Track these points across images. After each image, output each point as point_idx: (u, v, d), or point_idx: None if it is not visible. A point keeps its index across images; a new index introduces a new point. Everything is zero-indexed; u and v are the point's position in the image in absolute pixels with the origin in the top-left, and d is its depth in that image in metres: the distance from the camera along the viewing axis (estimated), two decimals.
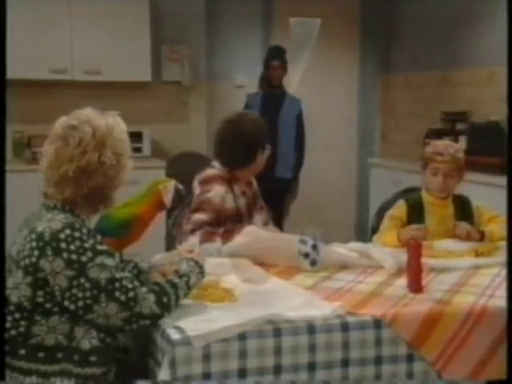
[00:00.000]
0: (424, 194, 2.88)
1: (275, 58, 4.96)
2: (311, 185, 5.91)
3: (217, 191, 2.58)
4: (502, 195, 3.96)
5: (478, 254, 2.53)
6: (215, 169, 2.68)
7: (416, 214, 2.81)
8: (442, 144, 2.87)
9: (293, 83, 5.84)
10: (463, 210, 2.86)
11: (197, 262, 1.91)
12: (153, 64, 5.06)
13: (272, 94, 4.92)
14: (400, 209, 2.85)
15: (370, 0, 6.00)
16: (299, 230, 2.36)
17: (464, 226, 2.76)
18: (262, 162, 2.73)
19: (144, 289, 1.75)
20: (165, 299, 1.74)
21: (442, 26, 5.30)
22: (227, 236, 2.41)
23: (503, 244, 2.67)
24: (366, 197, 5.83)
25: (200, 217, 2.49)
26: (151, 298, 1.72)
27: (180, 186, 2.11)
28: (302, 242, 2.29)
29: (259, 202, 2.86)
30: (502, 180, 4.03)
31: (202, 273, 1.91)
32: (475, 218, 2.86)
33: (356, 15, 6.05)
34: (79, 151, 1.73)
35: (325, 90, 6.05)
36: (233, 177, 2.67)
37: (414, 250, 2.10)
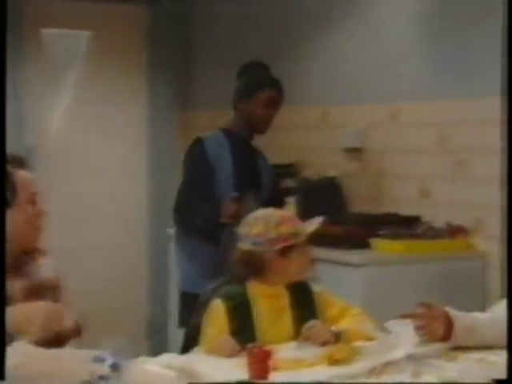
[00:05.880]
0: (249, 284, 2.81)
1: (272, 85, 3.87)
2: (90, 267, 5.71)
3: None
4: (348, 273, 4.14)
5: (332, 362, 2.50)
6: None
7: (240, 314, 2.72)
8: (264, 224, 2.75)
9: (53, 122, 5.71)
10: (300, 297, 2.82)
11: None
12: None
13: (246, 147, 3.99)
14: (218, 316, 2.73)
15: (160, 24, 6.12)
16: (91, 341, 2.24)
17: (319, 332, 2.68)
18: None
19: None
20: None
21: (252, 53, 5.49)
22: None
23: (364, 346, 2.67)
24: (165, 279, 5.79)
25: None
26: None
27: None
28: (97, 359, 2.16)
29: None
30: (347, 255, 4.20)
31: None
32: (318, 308, 2.84)
33: (143, 40, 6.12)
34: None
35: (102, 133, 5.92)
36: None
37: (260, 362, 2.08)
